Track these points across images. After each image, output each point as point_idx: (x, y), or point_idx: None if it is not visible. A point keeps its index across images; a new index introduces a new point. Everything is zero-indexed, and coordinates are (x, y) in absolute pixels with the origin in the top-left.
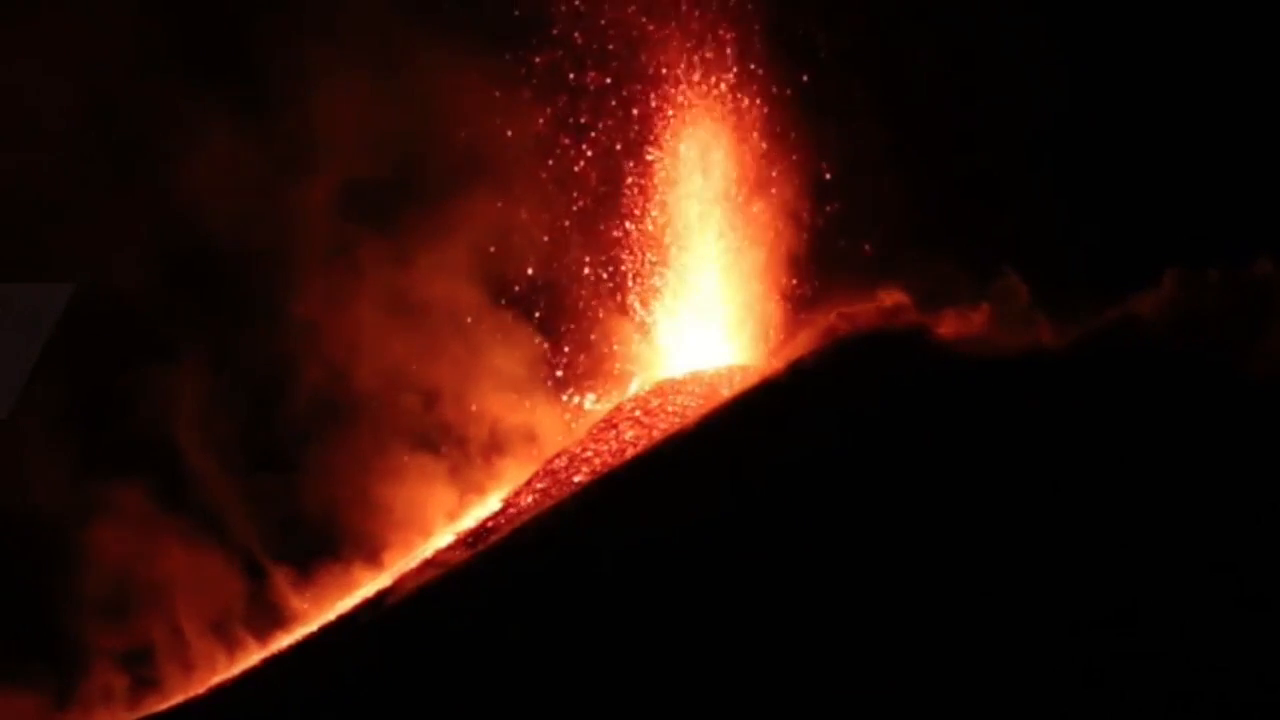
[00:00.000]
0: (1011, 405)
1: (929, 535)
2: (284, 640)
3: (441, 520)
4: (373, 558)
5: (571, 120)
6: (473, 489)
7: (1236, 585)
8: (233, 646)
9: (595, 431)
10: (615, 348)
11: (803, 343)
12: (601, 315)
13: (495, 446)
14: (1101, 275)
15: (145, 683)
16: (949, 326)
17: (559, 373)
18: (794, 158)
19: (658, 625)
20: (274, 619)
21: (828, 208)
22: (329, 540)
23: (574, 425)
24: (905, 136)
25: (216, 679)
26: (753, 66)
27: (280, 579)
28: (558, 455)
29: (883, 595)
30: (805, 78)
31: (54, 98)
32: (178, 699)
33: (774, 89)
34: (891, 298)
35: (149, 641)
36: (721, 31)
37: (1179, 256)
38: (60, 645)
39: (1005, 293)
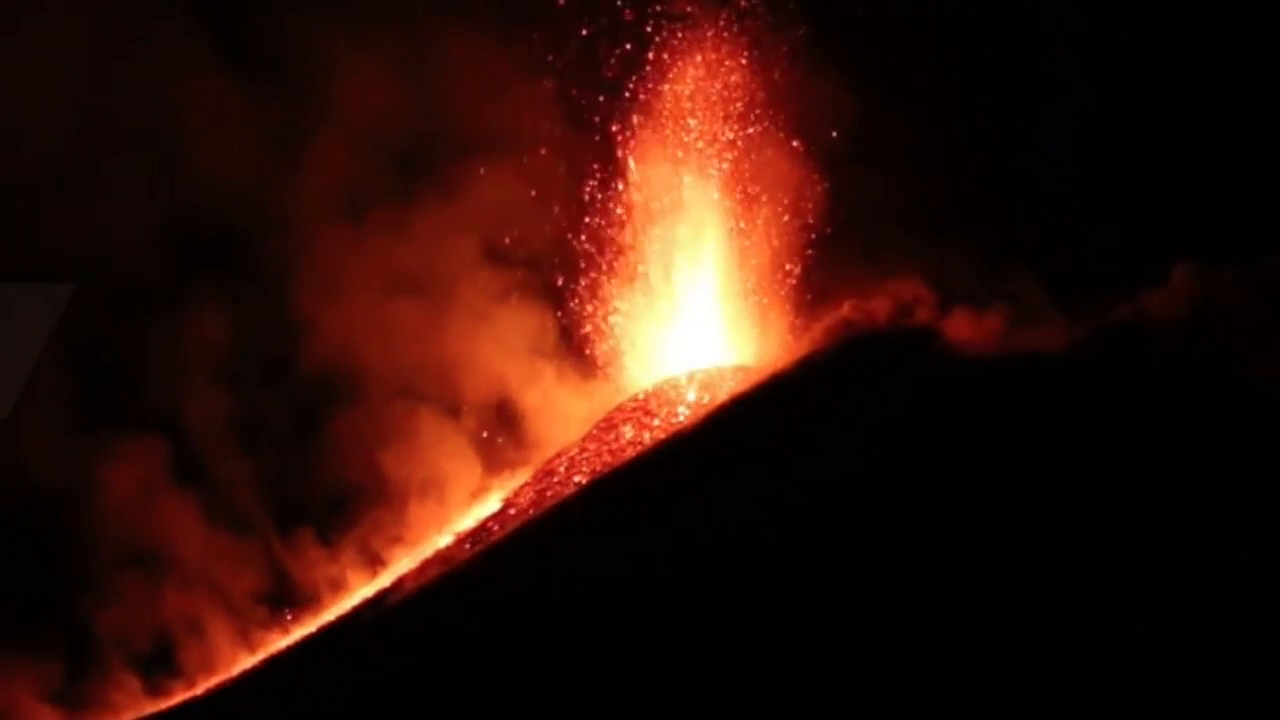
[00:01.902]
0: (1023, 406)
1: (937, 540)
2: (294, 625)
3: (465, 493)
4: (393, 535)
5: (578, 105)
6: (492, 460)
7: (1250, 591)
8: (246, 623)
9: (595, 431)
10: (614, 334)
11: (814, 337)
12: (603, 300)
13: (510, 418)
14: (1110, 270)
15: (159, 658)
16: (963, 326)
17: (572, 348)
18: (805, 148)
19: (659, 626)
20: (290, 596)
21: (837, 201)
22: (347, 514)
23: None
24: (915, 129)
25: (218, 676)
26: (762, 56)
27: (294, 555)
28: (558, 455)
29: (885, 598)
30: (815, 67)
31: (58, 65)
32: (191, 679)
33: (784, 78)
34: (909, 289)
35: (162, 619)
36: (730, 23)
37: (1189, 251)
38: (72, 623)
39: (1020, 292)
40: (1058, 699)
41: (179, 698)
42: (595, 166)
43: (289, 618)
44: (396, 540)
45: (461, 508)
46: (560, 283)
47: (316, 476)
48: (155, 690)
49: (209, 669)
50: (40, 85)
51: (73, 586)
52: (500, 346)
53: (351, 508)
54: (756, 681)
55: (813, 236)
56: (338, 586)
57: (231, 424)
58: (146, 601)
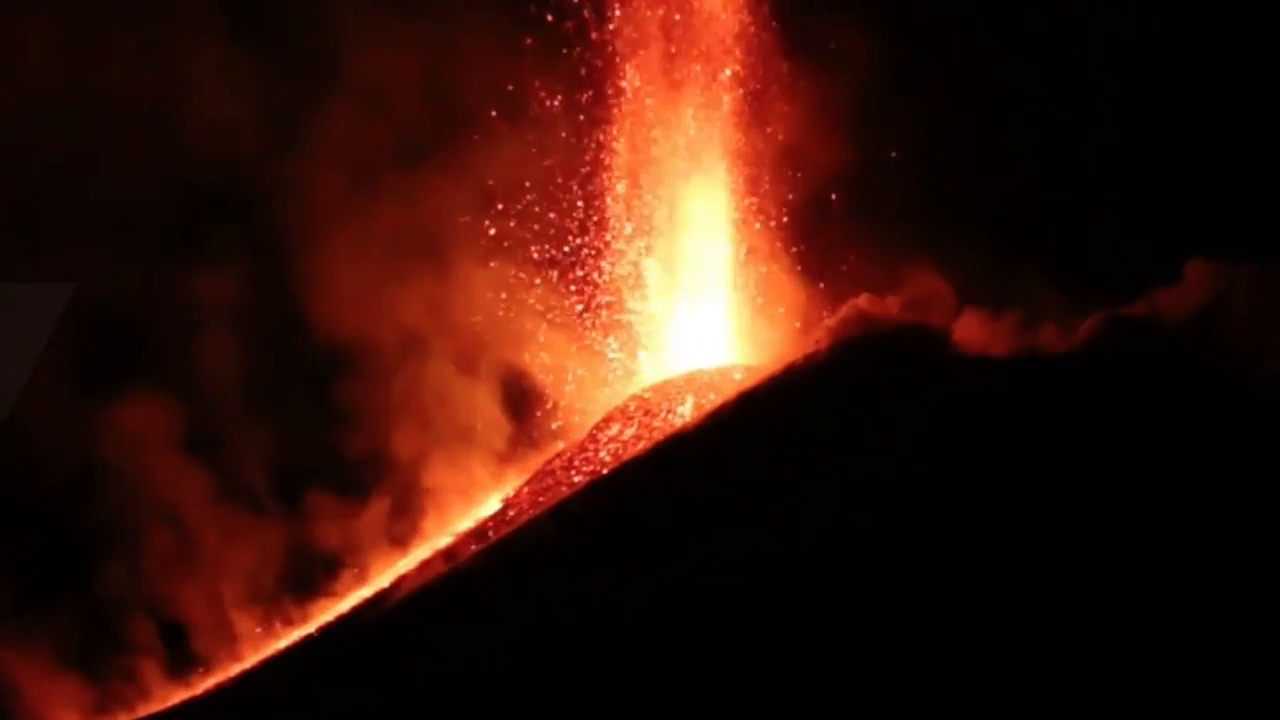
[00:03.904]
0: (1033, 407)
1: (939, 544)
2: (308, 602)
3: (488, 463)
4: (413, 515)
5: (586, 85)
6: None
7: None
8: (264, 602)
9: (595, 431)
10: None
11: (830, 327)
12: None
13: (525, 391)
14: (1124, 268)
15: (174, 632)
16: (975, 326)
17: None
18: (814, 139)
19: (657, 627)
20: (308, 577)
21: (850, 198)
22: (363, 484)
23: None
24: (929, 125)
25: (225, 647)
26: (774, 46)
27: (308, 524)
28: (557, 455)
29: (893, 601)
30: (830, 56)
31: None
32: (202, 651)
33: (798, 71)
34: (926, 283)
35: (180, 601)
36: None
37: (1203, 249)
38: (82, 592)
39: (1032, 292)
40: (1070, 700)
41: (188, 680)
42: (602, 153)
43: (305, 590)
44: (419, 513)
45: (484, 480)
46: (565, 262)
47: (330, 444)
48: (170, 665)
49: (218, 640)
50: (47, 46)
51: (82, 554)
52: (510, 319)
53: (369, 476)
54: (756, 682)
55: (822, 233)
56: (355, 553)
57: (243, 390)
58: (157, 571)
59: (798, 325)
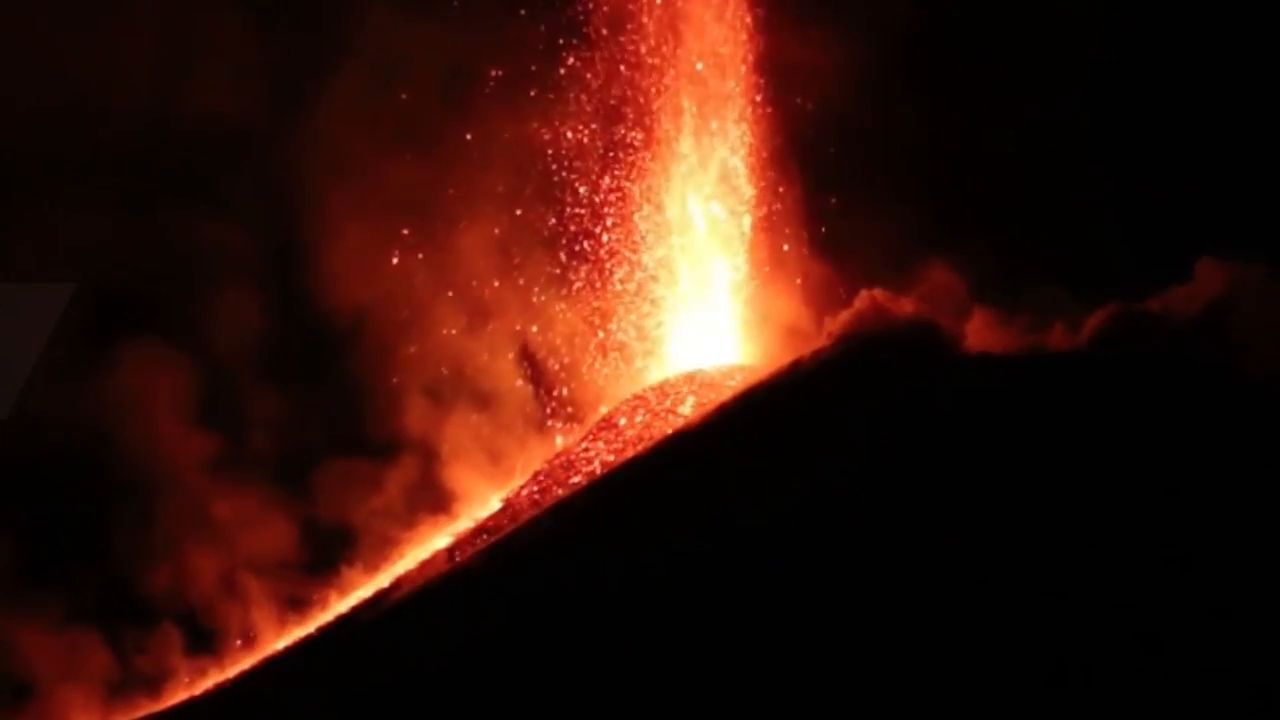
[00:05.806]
0: (1040, 406)
1: (945, 542)
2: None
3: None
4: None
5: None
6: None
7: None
8: (282, 584)
9: (595, 431)
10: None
11: (844, 320)
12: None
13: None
14: (1130, 264)
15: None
16: (985, 325)
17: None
18: (822, 136)
19: (657, 627)
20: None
21: (858, 188)
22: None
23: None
24: (936, 122)
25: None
26: (781, 45)
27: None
28: (558, 455)
29: (885, 596)
30: (837, 60)
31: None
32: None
33: (805, 70)
34: (940, 279)
35: (198, 581)
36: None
37: (1213, 249)
38: (99, 573)
39: (1047, 303)
40: (1078, 700)
41: (203, 653)
42: (612, 139)
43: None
44: (438, 485)
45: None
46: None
47: (344, 416)
48: (186, 637)
49: (232, 612)
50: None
51: (94, 524)
52: (519, 296)
53: (386, 447)
54: (759, 682)
55: (833, 227)
56: (374, 522)
57: (256, 356)
58: (169, 541)
59: (806, 319)
